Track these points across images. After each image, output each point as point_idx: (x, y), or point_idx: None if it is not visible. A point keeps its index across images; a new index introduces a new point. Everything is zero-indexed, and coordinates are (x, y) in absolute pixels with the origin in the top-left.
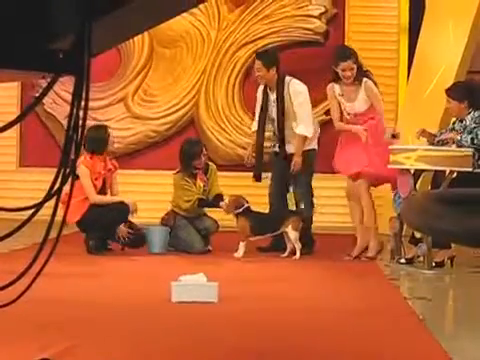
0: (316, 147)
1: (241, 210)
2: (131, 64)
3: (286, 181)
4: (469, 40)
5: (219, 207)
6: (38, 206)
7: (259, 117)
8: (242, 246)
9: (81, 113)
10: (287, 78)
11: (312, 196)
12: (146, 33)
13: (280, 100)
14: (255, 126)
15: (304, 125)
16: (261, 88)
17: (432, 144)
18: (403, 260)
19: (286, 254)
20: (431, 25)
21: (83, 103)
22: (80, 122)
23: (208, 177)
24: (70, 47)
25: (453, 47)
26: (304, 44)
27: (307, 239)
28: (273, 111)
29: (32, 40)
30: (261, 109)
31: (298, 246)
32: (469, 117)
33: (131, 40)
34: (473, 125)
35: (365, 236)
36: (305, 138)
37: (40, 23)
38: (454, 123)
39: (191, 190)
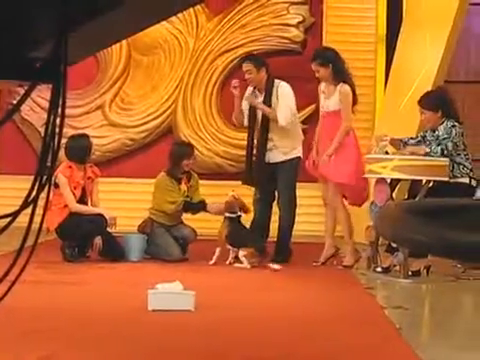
0: (301, 155)
1: (232, 216)
2: (109, 71)
3: (271, 188)
4: (446, 50)
5: (205, 211)
6: (14, 215)
7: (248, 120)
8: (217, 251)
9: (58, 121)
10: (276, 81)
11: (295, 206)
12: (124, 40)
13: (267, 102)
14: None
15: (282, 114)
16: (249, 90)
17: (398, 148)
18: (379, 269)
19: (230, 259)
20: (408, 35)
21: (60, 111)
22: (57, 130)
23: (191, 185)
24: (47, 56)
25: (430, 57)
26: (282, 53)
27: (285, 248)
28: (260, 113)
29: (9, 49)
30: (249, 112)
31: (244, 264)
32: (442, 127)
33: (109, 47)
34: (445, 135)
35: (333, 243)
36: (276, 123)
37: (17, 32)
38: (426, 131)
39: (175, 192)
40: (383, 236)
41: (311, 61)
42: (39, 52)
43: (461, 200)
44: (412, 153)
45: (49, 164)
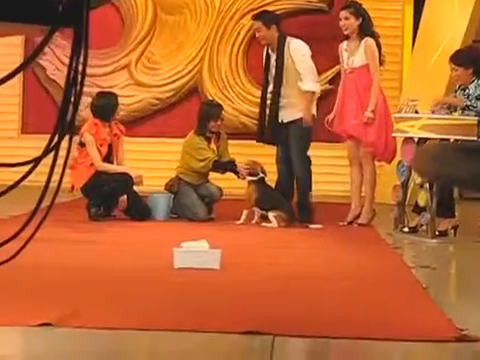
0: (314, 113)
1: (255, 178)
2: (134, 31)
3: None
4: (474, 9)
5: (234, 171)
6: (37, 161)
7: (264, 80)
8: (244, 213)
9: (80, 67)
10: (288, 38)
11: (309, 163)
12: (150, 0)
13: (280, 60)
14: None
15: (309, 80)
16: (265, 51)
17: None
18: (406, 229)
19: (256, 219)
20: None
21: (82, 57)
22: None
23: (219, 145)
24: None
25: (458, 16)
26: (309, 12)
27: (306, 207)
28: (273, 72)
29: None
30: (264, 71)
31: (273, 223)
32: (473, 85)
33: (134, 6)
34: (477, 93)
35: (359, 203)
36: (313, 94)
37: None
38: (456, 91)
39: (205, 149)
40: (419, 172)
41: (342, 9)
42: None
43: None
44: (450, 104)
45: (71, 111)
